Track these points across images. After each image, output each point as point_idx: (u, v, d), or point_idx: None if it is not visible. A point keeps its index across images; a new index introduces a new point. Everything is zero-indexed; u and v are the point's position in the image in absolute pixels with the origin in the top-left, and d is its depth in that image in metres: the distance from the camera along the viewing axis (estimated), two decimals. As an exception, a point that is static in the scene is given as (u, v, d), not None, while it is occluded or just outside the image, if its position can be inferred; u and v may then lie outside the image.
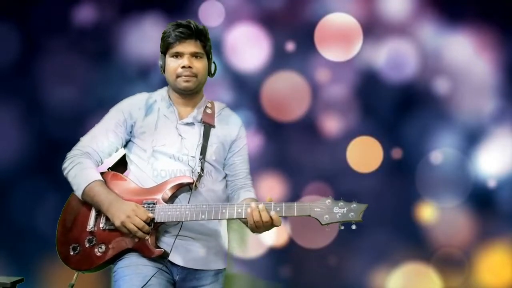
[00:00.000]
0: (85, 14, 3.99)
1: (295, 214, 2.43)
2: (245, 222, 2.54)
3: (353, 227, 2.42)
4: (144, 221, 2.47)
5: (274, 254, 3.89)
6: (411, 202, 3.87)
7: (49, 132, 3.94)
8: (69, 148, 2.67)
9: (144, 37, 3.92)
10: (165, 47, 2.62)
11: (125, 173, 2.69)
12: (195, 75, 2.61)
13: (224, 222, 2.71)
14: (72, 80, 3.96)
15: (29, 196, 3.90)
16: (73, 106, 3.93)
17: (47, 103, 3.96)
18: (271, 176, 3.78)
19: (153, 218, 2.49)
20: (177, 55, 2.60)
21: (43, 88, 3.97)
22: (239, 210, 2.46)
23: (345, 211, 2.42)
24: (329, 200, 2.43)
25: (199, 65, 2.61)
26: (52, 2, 3.97)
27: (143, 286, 2.46)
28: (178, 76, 2.61)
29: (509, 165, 3.85)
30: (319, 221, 2.41)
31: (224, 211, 2.47)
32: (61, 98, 3.95)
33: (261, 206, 2.43)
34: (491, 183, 3.85)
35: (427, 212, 3.87)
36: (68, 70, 3.95)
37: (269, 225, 2.43)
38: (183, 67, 2.59)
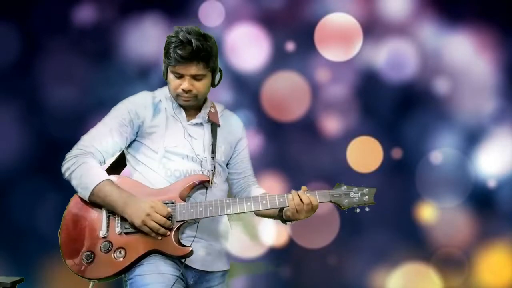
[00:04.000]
0: (85, 14, 3.99)
1: (318, 201, 2.52)
2: (263, 215, 2.65)
3: (367, 209, 2.56)
4: (165, 217, 2.44)
5: (274, 254, 3.89)
6: (411, 202, 3.87)
7: (49, 132, 3.93)
8: (69, 148, 2.62)
9: (144, 37, 3.92)
10: (167, 60, 2.54)
11: (125, 174, 2.67)
12: (196, 96, 2.57)
13: (228, 222, 2.70)
14: (72, 80, 3.96)
15: (29, 196, 3.89)
16: (73, 106, 3.92)
17: (47, 103, 3.96)
18: (271, 176, 3.78)
19: (172, 214, 2.46)
20: (177, 74, 2.54)
21: (43, 88, 3.97)
22: (264, 202, 2.51)
23: (360, 195, 2.55)
24: (344, 187, 2.56)
25: (200, 85, 2.55)
26: (52, 2, 3.97)
27: None
28: (177, 95, 2.57)
29: (509, 165, 3.86)
30: (339, 206, 2.54)
31: (249, 204, 2.51)
32: (61, 98, 3.95)
33: (300, 191, 2.53)
34: (491, 183, 3.85)
35: (427, 212, 3.87)
36: (68, 70, 3.95)
37: (310, 208, 2.51)
38: (182, 89, 2.54)
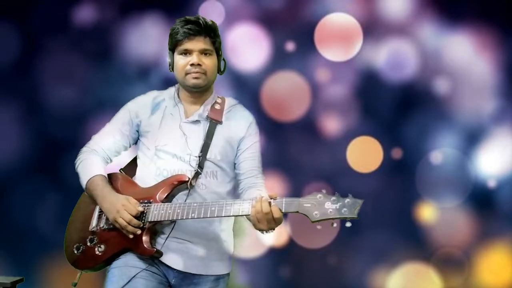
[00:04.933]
0: (85, 14, 3.99)
1: (282, 211, 2.29)
2: (249, 219, 2.45)
3: (348, 224, 2.22)
4: (134, 216, 2.44)
5: (274, 254, 3.89)
6: (411, 202, 3.87)
7: (49, 132, 3.93)
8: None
9: (144, 37, 3.92)
10: (173, 44, 2.58)
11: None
12: (204, 73, 2.56)
13: (229, 224, 2.66)
14: (72, 80, 3.96)
15: (29, 196, 3.90)
16: (73, 106, 3.93)
17: (47, 103, 3.96)
18: (271, 176, 3.77)
19: (143, 212, 2.45)
20: (186, 52, 2.55)
21: (43, 88, 3.97)
22: (228, 207, 2.38)
23: (337, 207, 2.23)
24: (320, 195, 2.26)
25: (208, 62, 2.57)
26: (52, 2, 3.97)
27: (123, 286, 2.45)
28: (187, 74, 2.56)
29: (509, 165, 3.85)
30: (308, 217, 2.25)
31: (213, 209, 2.39)
32: (61, 98, 3.95)
33: (264, 197, 2.33)
34: (491, 183, 3.85)
35: (427, 212, 3.87)
36: (68, 70, 3.95)
37: (270, 218, 2.30)
38: (192, 64, 2.54)
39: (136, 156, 2.71)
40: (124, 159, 2.72)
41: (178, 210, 2.44)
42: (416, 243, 3.84)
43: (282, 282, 3.95)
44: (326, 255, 3.88)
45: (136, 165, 2.69)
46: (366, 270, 3.86)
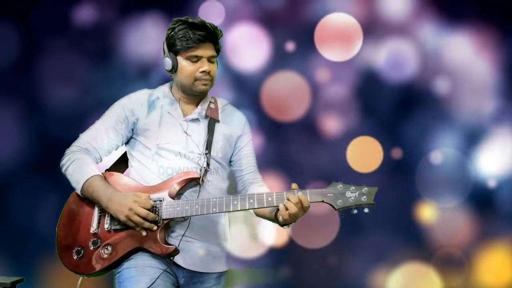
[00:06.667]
0: (85, 14, 3.99)
1: (308, 200, 2.41)
2: (262, 216, 2.57)
3: (366, 210, 2.41)
4: (148, 210, 2.43)
5: (274, 254, 3.89)
6: (411, 202, 3.87)
7: (49, 132, 3.93)
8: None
9: (144, 37, 3.92)
10: (179, 48, 2.56)
11: (125, 172, 2.67)
12: (211, 79, 2.59)
13: (228, 222, 2.69)
14: (72, 80, 3.96)
15: (29, 196, 3.89)
16: (73, 106, 3.92)
17: (47, 103, 3.96)
18: (271, 176, 3.76)
19: (155, 210, 2.44)
20: (195, 57, 2.56)
21: (43, 88, 3.97)
22: (251, 201, 2.43)
23: (357, 195, 2.41)
24: (340, 185, 2.42)
25: (214, 68, 2.59)
26: (52, 2, 3.97)
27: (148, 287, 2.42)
28: (196, 80, 2.57)
29: (509, 165, 3.86)
30: (332, 206, 2.40)
31: (235, 202, 2.43)
32: (61, 98, 3.95)
33: (290, 191, 2.44)
34: (491, 183, 3.85)
35: (427, 212, 3.87)
36: (68, 70, 3.95)
37: (300, 207, 2.40)
38: (202, 71, 2.56)
39: (122, 156, 2.68)
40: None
41: (197, 206, 2.45)
42: (416, 243, 3.84)
43: (282, 282, 3.95)
44: (326, 255, 3.88)
45: (122, 165, 2.67)
46: (366, 270, 3.86)
